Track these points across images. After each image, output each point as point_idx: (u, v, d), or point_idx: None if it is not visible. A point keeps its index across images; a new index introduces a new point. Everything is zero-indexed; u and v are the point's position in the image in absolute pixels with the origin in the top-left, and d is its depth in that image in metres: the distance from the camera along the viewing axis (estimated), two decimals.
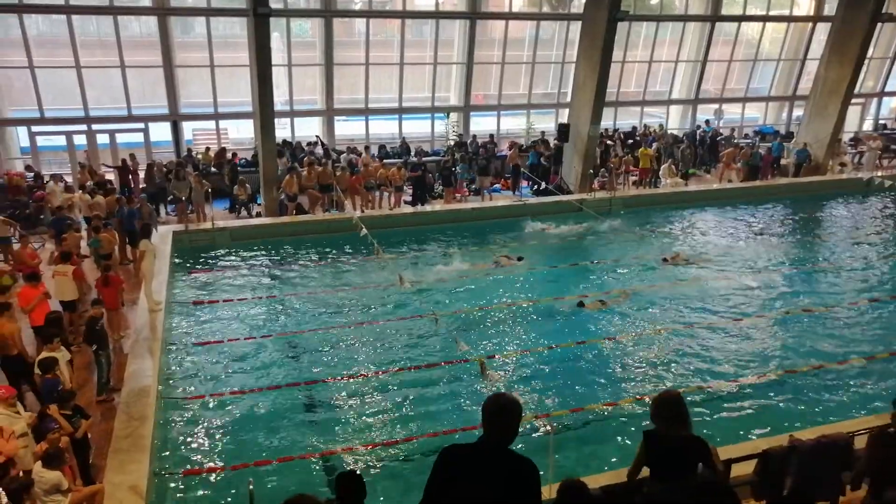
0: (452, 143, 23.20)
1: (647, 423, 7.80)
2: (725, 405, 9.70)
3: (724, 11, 25.96)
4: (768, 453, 6.08)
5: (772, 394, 9.97)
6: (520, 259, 15.48)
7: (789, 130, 28.51)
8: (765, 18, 27.01)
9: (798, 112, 28.56)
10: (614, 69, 22.06)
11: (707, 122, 26.59)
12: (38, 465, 6.60)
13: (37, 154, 20.11)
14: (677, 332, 11.99)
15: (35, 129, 20.00)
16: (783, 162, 23.68)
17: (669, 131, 26.16)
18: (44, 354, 8.30)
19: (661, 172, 22.03)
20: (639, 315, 12.68)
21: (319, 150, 21.18)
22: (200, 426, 9.15)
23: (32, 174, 18.48)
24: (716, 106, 28.52)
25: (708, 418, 9.26)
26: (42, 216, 16.46)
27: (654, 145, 22.87)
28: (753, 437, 8.52)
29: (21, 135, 20.51)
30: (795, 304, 13.21)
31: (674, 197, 20.93)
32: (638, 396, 9.76)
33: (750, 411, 9.55)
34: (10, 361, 8.92)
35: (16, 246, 13.27)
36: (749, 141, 26.13)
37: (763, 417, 9.36)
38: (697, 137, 25.11)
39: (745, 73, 28.14)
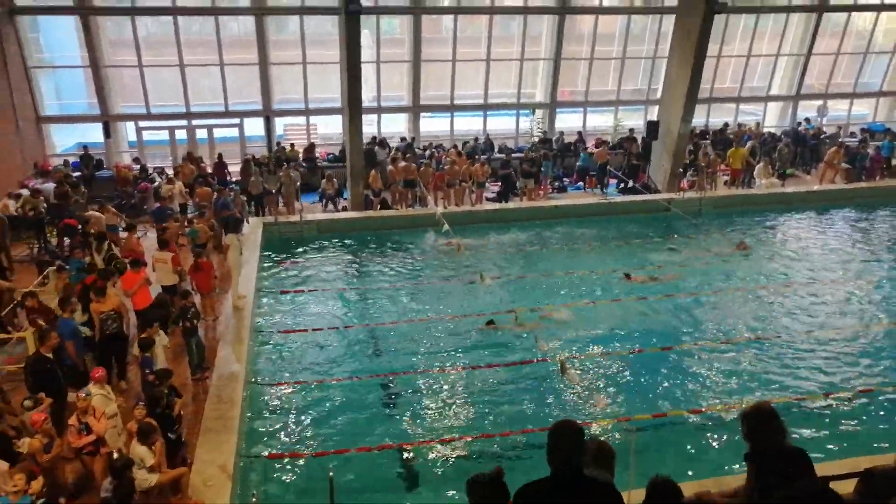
0: (537, 139, 22.95)
1: (716, 427, 7.45)
2: (818, 420, 9.14)
3: (833, 1, 24.37)
4: (873, 472, 5.65)
5: (869, 411, 9.32)
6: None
7: None
8: (879, 7, 25.11)
9: None
10: (709, 64, 21.16)
11: (807, 119, 25.09)
12: (134, 440, 7.02)
13: (143, 148, 21.40)
14: (767, 341, 11.40)
15: (142, 124, 21.30)
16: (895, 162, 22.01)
17: (766, 129, 24.86)
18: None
19: (755, 172, 20.98)
20: (727, 321, 12.16)
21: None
22: (284, 412, 9.47)
23: (139, 167, 19.66)
24: (819, 102, 26.85)
25: (799, 433, 8.75)
26: (146, 206, 17.49)
27: (749, 143, 21.80)
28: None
29: (129, 129, 21.87)
30: None
31: (768, 198, 19.86)
32: (726, 406, 9.36)
33: (845, 428, 8.96)
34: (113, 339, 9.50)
35: (122, 234, 14.16)
36: (855, 139, 24.45)
37: (859, 435, 8.78)
38: (798, 136, 23.71)
39: (854, 66, 26.31)
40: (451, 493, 7.76)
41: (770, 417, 4.31)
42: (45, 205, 15.39)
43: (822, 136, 24.11)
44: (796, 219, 18.73)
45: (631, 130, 22.78)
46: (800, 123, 24.78)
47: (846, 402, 9.51)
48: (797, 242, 16.81)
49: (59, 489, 6.52)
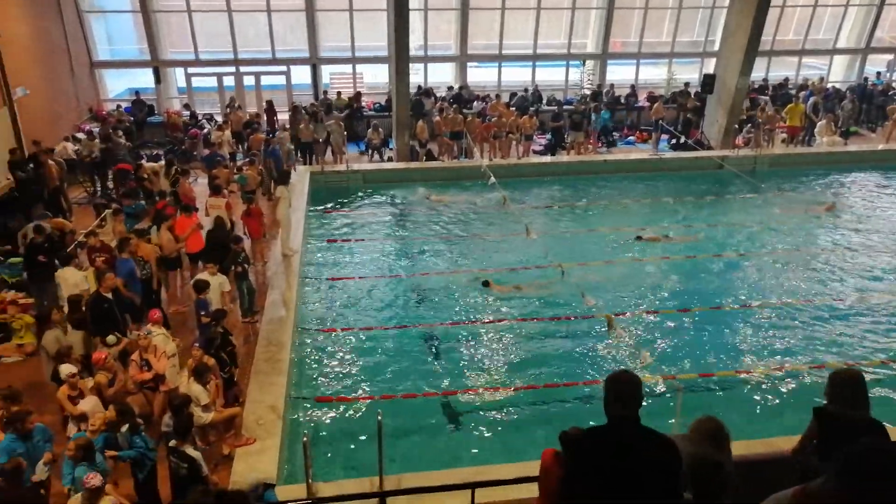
0: (587, 92, 22.35)
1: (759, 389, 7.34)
2: (872, 386, 8.89)
3: None
4: None
5: None
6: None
7: None
8: None
9: None
10: (772, 14, 20.10)
11: (878, 74, 23.79)
12: (190, 379, 7.25)
13: (192, 94, 21.58)
14: (821, 304, 11.10)
15: (191, 70, 21.43)
16: None
17: (831, 84, 23.70)
18: (199, 276, 9.04)
19: (816, 130, 20.10)
20: (780, 284, 11.86)
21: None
22: (331, 357, 9.68)
23: (189, 113, 19.88)
24: (890, 57, 25.40)
25: None
26: (195, 152, 17.72)
27: (812, 100, 20.83)
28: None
29: (178, 75, 22.04)
30: None
31: (827, 157, 19.05)
32: (776, 368, 9.22)
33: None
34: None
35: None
36: None
37: None
38: (865, 92, 22.54)
39: None
40: (493, 441, 7.87)
41: (856, 383, 4.14)
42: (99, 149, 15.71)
43: (891, 93, 22.88)
44: (858, 179, 17.97)
45: (686, 84, 21.99)
46: (867, 79, 23.52)
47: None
48: (857, 205, 16.15)
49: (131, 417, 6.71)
